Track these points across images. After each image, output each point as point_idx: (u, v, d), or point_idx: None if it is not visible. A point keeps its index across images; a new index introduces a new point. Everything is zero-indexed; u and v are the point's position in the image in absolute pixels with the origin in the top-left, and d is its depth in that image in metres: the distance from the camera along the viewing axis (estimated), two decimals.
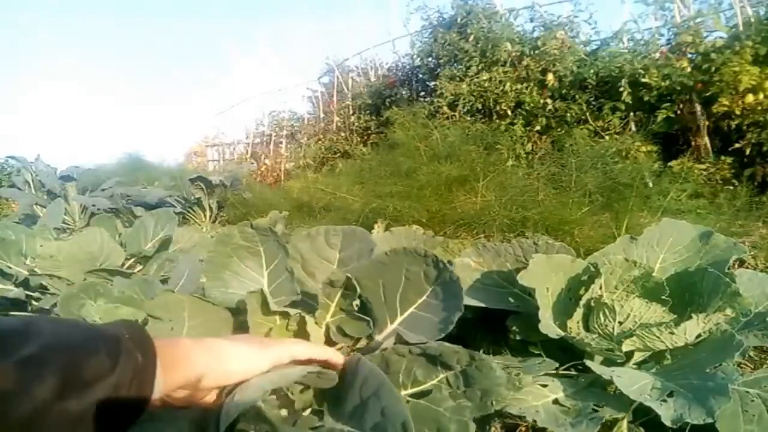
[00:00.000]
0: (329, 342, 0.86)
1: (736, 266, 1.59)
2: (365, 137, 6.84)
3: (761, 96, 3.60)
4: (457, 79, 5.44)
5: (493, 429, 1.04)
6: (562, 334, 1.05)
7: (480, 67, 5.31)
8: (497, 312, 1.22)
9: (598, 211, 2.60)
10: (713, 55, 3.83)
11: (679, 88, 4.00)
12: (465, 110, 5.24)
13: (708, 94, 3.88)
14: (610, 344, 1.05)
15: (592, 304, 1.10)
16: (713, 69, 3.81)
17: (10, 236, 2.20)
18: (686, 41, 4.14)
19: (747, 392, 0.93)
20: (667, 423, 0.79)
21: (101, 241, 2.16)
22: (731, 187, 3.39)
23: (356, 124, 7.13)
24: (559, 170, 3.05)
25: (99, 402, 0.42)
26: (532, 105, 4.81)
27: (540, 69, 4.94)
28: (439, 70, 5.83)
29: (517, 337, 1.19)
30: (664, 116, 4.04)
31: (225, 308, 0.96)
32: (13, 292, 1.99)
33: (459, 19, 5.73)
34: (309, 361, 0.67)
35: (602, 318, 1.07)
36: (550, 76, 4.80)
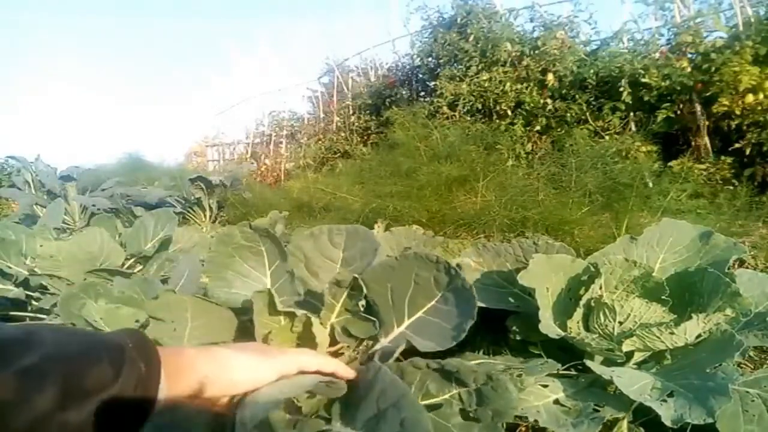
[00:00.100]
0: (333, 342, 0.86)
1: (736, 266, 1.59)
2: (365, 137, 6.84)
3: (761, 96, 3.60)
4: (457, 79, 5.44)
5: None
6: (562, 334, 1.05)
7: (480, 67, 5.31)
8: (497, 312, 1.22)
9: (598, 211, 2.61)
10: (713, 55, 3.83)
11: (679, 88, 4.00)
12: (465, 110, 5.24)
13: (708, 94, 3.89)
14: (610, 344, 1.05)
15: (592, 304, 1.11)
16: (713, 69, 3.81)
17: (10, 236, 2.20)
18: (686, 41, 4.14)
19: (747, 392, 0.93)
20: (668, 423, 0.79)
21: (101, 241, 2.16)
22: (731, 187, 3.40)
23: (356, 124, 7.13)
24: (559, 170, 3.05)
25: (101, 412, 0.41)
26: (532, 105, 4.82)
27: (540, 69, 4.94)
28: (439, 70, 5.83)
29: (517, 337, 1.19)
30: (664, 116, 4.05)
31: (228, 308, 0.95)
32: (13, 292, 1.99)
33: (459, 19, 5.73)
34: (316, 372, 0.66)
35: (602, 318, 1.07)
36: (550, 76, 4.80)
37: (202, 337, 0.90)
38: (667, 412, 0.81)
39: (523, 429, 1.04)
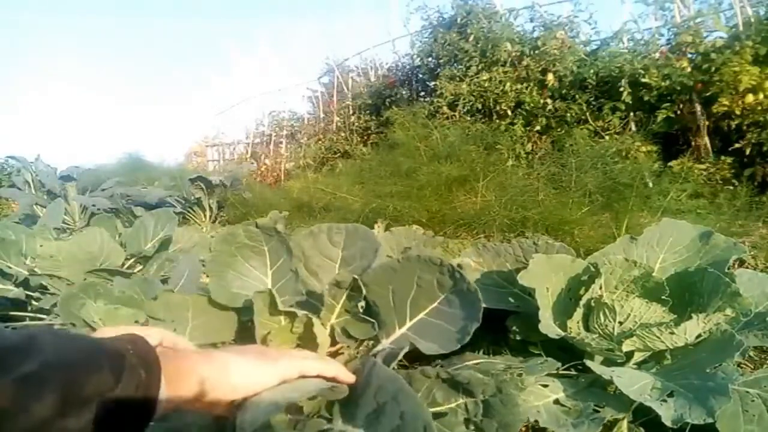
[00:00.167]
0: (334, 343, 0.86)
1: (736, 266, 1.59)
2: (365, 137, 6.84)
3: (761, 96, 3.60)
4: (457, 79, 5.44)
5: None
6: (562, 334, 1.05)
7: (480, 67, 5.31)
8: (497, 312, 1.22)
9: (598, 211, 2.61)
10: (713, 55, 3.83)
11: (679, 88, 4.00)
12: (465, 110, 5.24)
13: (708, 94, 3.89)
14: (610, 344, 1.05)
15: (592, 304, 1.10)
16: (713, 69, 3.81)
17: (10, 236, 2.20)
18: (686, 41, 4.14)
19: (747, 392, 0.93)
20: (668, 423, 0.79)
21: (101, 241, 2.16)
22: (731, 187, 3.40)
23: (356, 124, 7.13)
24: (559, 170, 3.05)
25: (100, 419, 0.41)
26: (532, 105, 4.82)
27: (540, 69, 4.94)
28: (439, 70, 5.83)
29: (517, 337, 1.19)
30: (664, 116, 4.05)
31: (229, 308, 0.95)
32: (13, 292, 1.99)
33: (459, 19, 5.73)
34: (317, 377, 0.65)
35: (602, 318, 1.07)
36: (550, 76, 4.80)
37: (202, 337, 0.90)
38: (667, 412, 0.81)
39: (523, 429, 1.04)
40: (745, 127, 3.73)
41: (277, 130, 9.02)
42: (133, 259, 2.31)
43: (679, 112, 4.14)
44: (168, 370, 0.49)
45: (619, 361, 1.08)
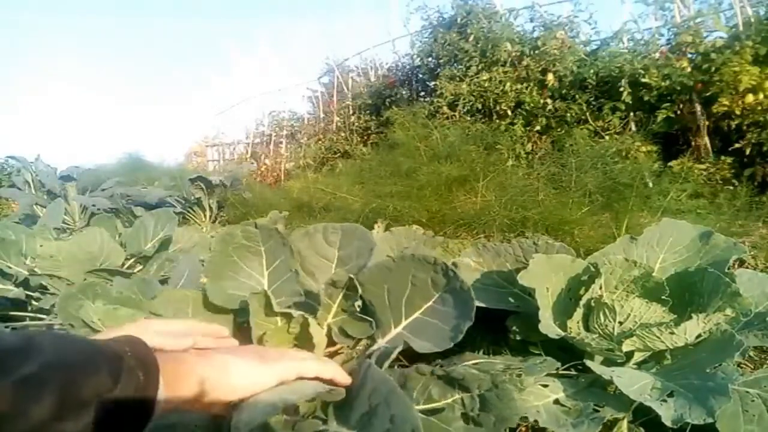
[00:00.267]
0: (331, 343, 0.86)
1: (736, 266, 1.59)
2: (365, 137, 6.84)
3: (761, 96, 3.60)
4: (457, 79, 5.44)
5: None
6: (562, 334, 1.05)
7: (480, 67, 5.31)
8: (497, 312, 1.22)
9: (598, 211, 2.61)
10: (713, 55, 3.83)
11: (679, 88, 4.00)
12: (465, 110, 5.24)
13: (708, 94, 3.88)
14: (610, 344, 1.05)
15: (592, 304, 1.10)
16: (713, 69, 3.81)
17: (10, 236, 2.20)
18: (686, 41, 4.14)
19: (747, 392, 0.93)
20: (668, 423, 0.79)
21: (101, 241, 2.16)
22: (731, 187, 3.40)
23: (356, 124, 7.13)
24: (559, 170, 3.05)
25: (99, 421, 0.41)
26: (532, 105, 4.81)
27: (540, 69, 4.94)
28: (439, 70, 5.83)
29: (517, 337, 1.19)
30: (664, 116, 4.04)
31: (226, 309, 0.95)
32: (13, 292, 1.99)
33: (459, 19, 5.73)
34: (315, 379, 0.66)
35: (602, 318, 1.07)
36: (550, 76, 4.80)
37: None
38: (667, 412, 0.81)
39: (523, 429, 1.04)
40: (745, 127, 3.73)
41: (277, 130, 9.03)
42: (133, 259, 2.31)
43: (679, 112, 4.14)
44: (166, 371, 0.49)
45: (619, 361, 1.07)
